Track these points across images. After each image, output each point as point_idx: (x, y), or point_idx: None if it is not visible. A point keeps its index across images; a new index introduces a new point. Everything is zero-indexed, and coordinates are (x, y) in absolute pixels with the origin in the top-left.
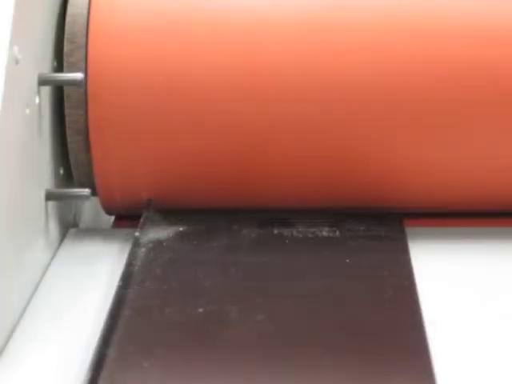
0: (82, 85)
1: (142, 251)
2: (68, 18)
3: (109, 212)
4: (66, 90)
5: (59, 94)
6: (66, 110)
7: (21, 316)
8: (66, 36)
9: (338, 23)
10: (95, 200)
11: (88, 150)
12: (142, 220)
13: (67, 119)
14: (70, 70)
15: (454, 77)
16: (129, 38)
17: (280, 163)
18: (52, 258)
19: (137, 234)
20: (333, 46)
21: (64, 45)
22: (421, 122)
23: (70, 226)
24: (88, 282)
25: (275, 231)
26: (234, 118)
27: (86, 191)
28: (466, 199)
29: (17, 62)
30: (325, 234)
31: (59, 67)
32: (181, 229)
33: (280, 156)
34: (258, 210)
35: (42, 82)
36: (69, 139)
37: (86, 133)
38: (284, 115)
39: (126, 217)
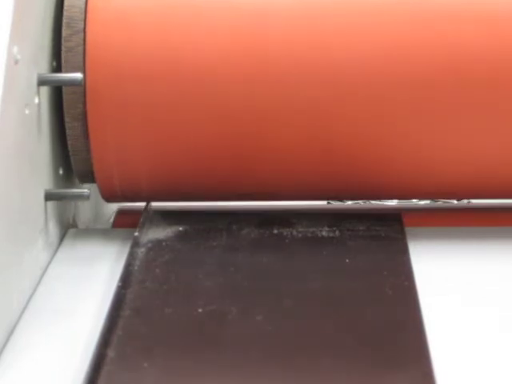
0: (81, 85)
1: (141, 251)
2: (66, 3)
3: (107, 199)
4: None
5: (58, 94)
6: (64, 96)
7: (20, 316)
8: (64, 21)
9: (338, 7)
10: (94, 200)
11: (86, 136)
12: (141, 220)
13: (65, 105)
14: (68, 55)
15: (453, 62)
16: (128, 22)
17: (280, 150)
18: (51, 258)
19: (136, 234)
20: (332, 30)
21: (62, 29)
22: (421, 107)
23: (69, 226)
24: (87, 282)
25: (275, 231)
26: (234, 103)
27: (86, 191)
28: (465, 187)
29: (16, 62)
30: (324, 233)
31: (58, 67)
32: (180, 229)
33: (280, 142)
34: (258, 196)
35: (41, 82)
36: (67, 125)
37: (84, 118)
38: (285, 101)
39: (125, 218)
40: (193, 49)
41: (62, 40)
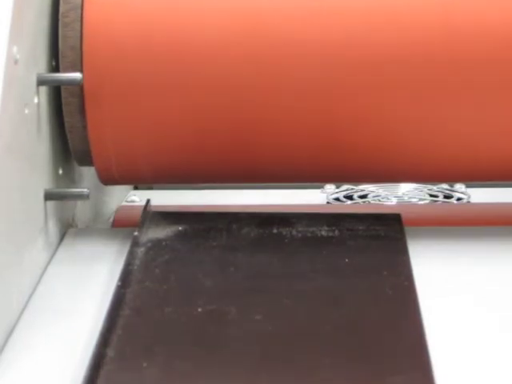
0: (80, 85)
1: (141, 251)
2: None
3: (105, 181)
4: (62, 49)
5: (58, 94)
6: (61, 71)
7: (20, 316)
8: None
9: None
10: (94, 200)
11: (83, 113)
12: (141, 219)
13: None
14: (65, 30)
15: (455, 42)
16: None
17: (281, 133)
18: (51, 257)
19: (136, 233)
20: (333, 10)
21: (60, 5)
22: (422, 90)
23: (69, 226)
24: (87, 282)
25: (274, 231)
26: (234, 84)
27: (85, 191)
28: (464, 170)
29: (15, 61)
30: (324, 233)
31: (57, 67)
32: (180, 228)
33: (282, 125)
34: (257, 178)
35: (41, 81)
36: (64, 101)
37: (81, 95)
38: (287, 83)
39: (124, 217)
40: (192, 24)
41: (60, 16)
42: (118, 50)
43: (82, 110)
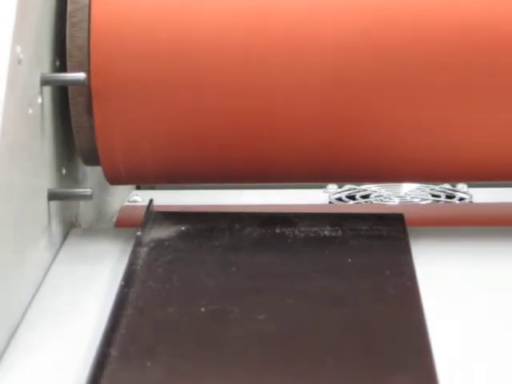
0: (84, 85)
1: (143, 250)
2: None
3: (111, 181)
4: (69, 49)
5: (62, 94)
6: (69, 71)
7: (23, 316)
8: None
9: None
10: (97, 200)
11: (90, 112)
12: (143, 219)
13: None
14: (72, 30)
15: (452, 41)
16: None
17: (285, 130)
18: (54, 257)
19: (139, 233)
20: (333, 8)
21: (67, 4)
22: (426, 91)
23: (72, 226)
24: (90, 282)
25: (277, 231)
26: (239, 82)
27: (89, 191)
28: (463, 171)
29: (19, 61)
30: (327, 233)
31: (61, 67)
32: (182, 228)
33: (285, 122)
34: (262, 177)
35: (45, 81)
36: (71, 101)
37: (88, 94)
38: (287, 80)
39: (127, 217)
40: (197, 22)
41: (67, 16)
42: (126, 50)
43: (89, 110)
